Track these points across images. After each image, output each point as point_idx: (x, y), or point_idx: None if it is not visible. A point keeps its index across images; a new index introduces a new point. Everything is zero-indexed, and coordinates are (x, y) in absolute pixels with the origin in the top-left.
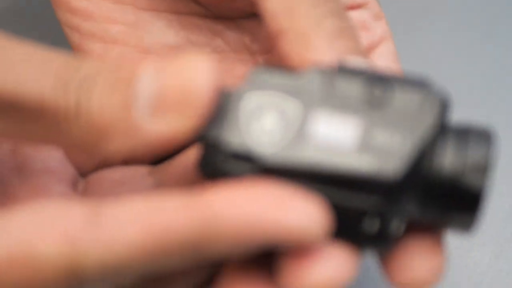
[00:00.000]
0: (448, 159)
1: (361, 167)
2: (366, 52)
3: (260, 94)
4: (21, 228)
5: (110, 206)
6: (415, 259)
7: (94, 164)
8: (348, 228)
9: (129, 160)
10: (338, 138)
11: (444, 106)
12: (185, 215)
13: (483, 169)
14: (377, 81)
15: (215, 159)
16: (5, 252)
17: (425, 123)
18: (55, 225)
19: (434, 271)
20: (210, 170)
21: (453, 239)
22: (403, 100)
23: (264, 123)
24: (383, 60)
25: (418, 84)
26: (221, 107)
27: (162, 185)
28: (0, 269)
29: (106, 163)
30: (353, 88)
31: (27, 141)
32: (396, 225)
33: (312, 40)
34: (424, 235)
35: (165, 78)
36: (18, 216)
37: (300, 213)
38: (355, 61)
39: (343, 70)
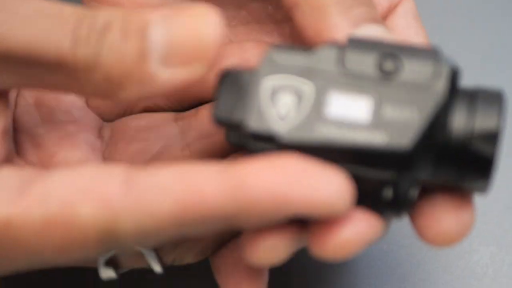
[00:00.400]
0: (459, 125)
1: (373, 142)
2: (382, 18)
3: (276, 78)
4: (61, 190)
5: (146, 173)
6: (444, 215)
7: (117, 112)
8: (367, 197)
9: (153, 108)
10: (351, 115)
11: (453, 73)
12: (219, 186)
13: (493, 133)
14: (387, 53)
15: (238, 138)
16: (46, 213)
17: (435, 92)
18: (93, 189)
19: (461, 226)
20: (235, 145)
21: None
22: (413, 71)
23: (280, 104)
24: (403, 19)
25: (428, 53)
26: (241, 88)
27: (186, 132)
28: (42, 230)
29: (129, 111)
30: (363, 64)
31: (47, 91)
32: (411, 192)
33: (327, 11)
34: (453, 193)
35: (176, 28)
36: (57, 178)
37: (327, 185)
38: (370, 30)
39: (354, 45)
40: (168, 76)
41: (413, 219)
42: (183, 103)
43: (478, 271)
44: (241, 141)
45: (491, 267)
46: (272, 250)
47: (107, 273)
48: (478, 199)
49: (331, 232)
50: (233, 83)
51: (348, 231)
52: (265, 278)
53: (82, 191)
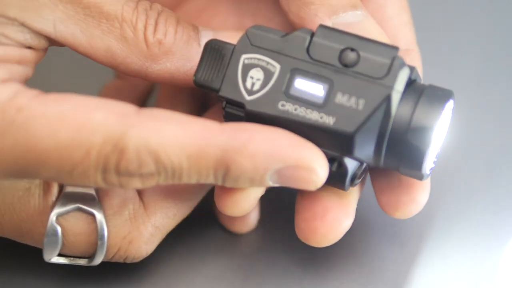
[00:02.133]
0: (400, 118)
1: (322, 122)
2: (359, 4)
3: (250, 56)
4: (77, 97)
5: (155, 109)
6: (401, 194)
7: None
8: None
9: None
10: (307, 96)
11: (406, 72)
12: (223, 128)
13: (427, 129)
14: (349, 47)
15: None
16: (61, 109)
17: (385, 87)
18: (109, 104)
19: (415, 203)
20: (201, 87)
21: None
22: (369, 65)
23: (250, 79)
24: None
25: (387, 51)
26: (221, 59)
27: None
28: (54, 123)
29: None
30: (326, 53)
31: None
32: (356, 171)
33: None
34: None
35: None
36: (75, 94)
37: (311, 153)
38: (348, 17)
39: (322, 34)
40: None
41: (377, 196)
42: None
43: None
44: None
45: None
46: (237, 203)
47: (50, 248)
48: None
49: (314, 227)
50: (216, 53)
51: (325, 225)
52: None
53: (97, 102)
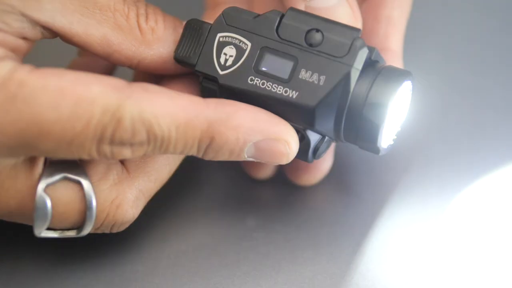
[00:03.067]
0: (358, 94)
1: (287, 96)
2: None
3: (224, 35)
4: (75, 72)
5: (145, 83)
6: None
7: None
8: None
9: None
10: (274, 72)
11: (365, 52)
12: (208, 103)
13: (382, 104)
14: (315, 28)
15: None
16: (61, 83)
17: (345, 65)
18: (106, 78)
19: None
20: (180, 63)
21: None
22: (332, 45)
23: (223, 56)
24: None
25: (350, 33)
26: (199, 37)
27: None
28: (54, 96)
29: None
30: (293, 34)
31: None
32: (317, 144)
33: None
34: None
35: None
36: (71, 71)
37: (286, 128)
38: (317, 2)
39: (291, 16)
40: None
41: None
42: None
43: None
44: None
45: None
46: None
47: (40, 221)
48: None
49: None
50: (194, 32)
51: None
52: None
53: (94, 76)
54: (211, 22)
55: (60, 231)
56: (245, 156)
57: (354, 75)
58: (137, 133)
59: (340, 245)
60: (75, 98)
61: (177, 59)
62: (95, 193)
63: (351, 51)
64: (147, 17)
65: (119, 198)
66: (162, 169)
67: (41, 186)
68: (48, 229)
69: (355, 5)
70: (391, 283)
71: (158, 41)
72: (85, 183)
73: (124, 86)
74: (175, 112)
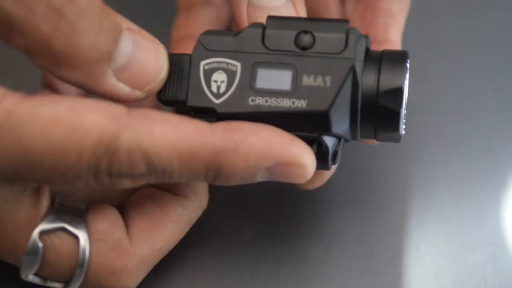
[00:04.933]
0: (368, 85)
1: (295, 107)
2: None
3: (208, 61)
4: (70, 99)
5: (147, 109)
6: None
7: None
8: None
9: None
10: (274, 86)
11: (362, 41)
12: (214, 130)
13: (397, 88)
14: (302, 30)
15: (188, 112)
16: (54, 112)
17: (346, 59)
18: (101, 105)
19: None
20: (168, 105)
21: None
22: (326, 43)
23: (214, 83)
24: None
25: (339, 26)
26: (181, 71)
27: None
28: (46, 126)
29: None
30: (282, 41)
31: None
32: (335, 148)
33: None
34: None
35: (140, 53)
36: (67, 96)
37: (300, 149)
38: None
39: (273, 24)
40: (113, 85)
41: None
42: None
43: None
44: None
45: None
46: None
47: (28, 265)
48: None
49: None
50: (173, 66)
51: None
52: None
53: (90, 104)
54: (189, 30)
55: (47, 281)
56: (259, 180)
57: (359, 67)
58: (135, 165)
59: None
60: (67, 129)
61: (163, 101)
62: (90, 252)
63: (349, 44)
64: None
65: (115, 264)
66: (171, 237)
67: (37, 230)
68: (36, 274)
69: (301, 6)
70: None
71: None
72: (83, 239)
73: (123, 114)
74: (177, 142)
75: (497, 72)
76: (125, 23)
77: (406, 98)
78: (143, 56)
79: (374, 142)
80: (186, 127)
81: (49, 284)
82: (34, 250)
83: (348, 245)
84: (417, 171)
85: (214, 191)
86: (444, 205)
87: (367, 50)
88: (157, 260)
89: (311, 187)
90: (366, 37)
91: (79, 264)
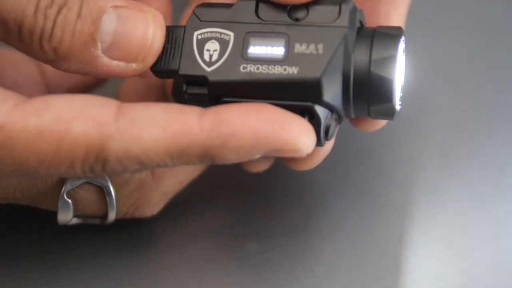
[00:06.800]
0: (360, 55)
1: (287, 74)
2: None
3: (201, 31)
4: (56, 107)
5: (137, 106)
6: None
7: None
8: None
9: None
10: (266, 54)
11: (355, 12)
12: (202, 125)
13: (389, 57)
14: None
15: (181, 86)
16: (40, 124)
17: (339, 28)
18: (88, 111)
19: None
20: (180, 96)
21: None
22: (319, 14)
23: (206, 52)
24: None
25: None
26: (175, 42)
27: None
28: (34, 139)
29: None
30: (275, 13)
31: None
32: (327, 121)
33: None
34: None
35: (125, 25)
36: (53, 98)
37: (295, 132)
38: None
39: None
40: (108, 64)
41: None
42: None
43: None
44: (183, 92)
45: None
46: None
47: (63, 217)
48: None
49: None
50: (167, 39)
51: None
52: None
53: (77, 111)
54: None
55: (83, 218)
56: (257, 157)
57: (351, 36)
58: (128, 167)
59: None
60: (55, 141)
61: (156, 71)
62: (116, 196)
63: (341, 14)
64: (51, 35)
65: (140, 201)
66: (191, 171)
67: (63, 191)
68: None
69: None
70: None
71: (62, 61)
72: (107, 187)
73: (109, 121)
74: (165, 144)
75: (501, 73)
76: (111, 2)
77: (403, 80)
78: (127, 28)
79: (369, 127)
80: (173, 127)
81: (87, 221)
82: (65, 207)
83: (346, 248)
84: (418, 174)
85: (213, 191)
86: (445, 207)
87: (362, 25)
88: (177, 191)
89: (303, 168)
90: (361, 11)
91: (109, 206)
